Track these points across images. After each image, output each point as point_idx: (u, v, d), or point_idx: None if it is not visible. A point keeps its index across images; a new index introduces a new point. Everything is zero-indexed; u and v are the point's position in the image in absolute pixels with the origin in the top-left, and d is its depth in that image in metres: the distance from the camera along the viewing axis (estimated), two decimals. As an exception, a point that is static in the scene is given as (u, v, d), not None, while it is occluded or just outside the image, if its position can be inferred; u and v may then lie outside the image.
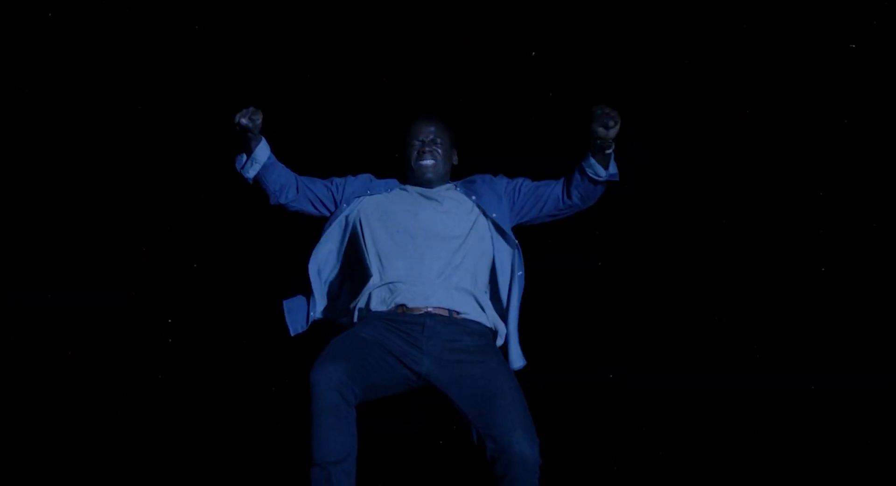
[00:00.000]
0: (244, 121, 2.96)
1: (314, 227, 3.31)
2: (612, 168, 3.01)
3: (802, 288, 4.16)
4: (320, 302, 3.07)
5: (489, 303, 3.01)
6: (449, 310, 2.91)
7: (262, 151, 3.05)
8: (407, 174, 3.16)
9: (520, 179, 3.16)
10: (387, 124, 3.76)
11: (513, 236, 3.07)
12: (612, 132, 2.91)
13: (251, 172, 3.06)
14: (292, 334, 3.05)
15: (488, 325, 2.98)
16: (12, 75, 4.24)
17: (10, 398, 4.19)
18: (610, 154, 2.99)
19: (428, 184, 3.12)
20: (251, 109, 2.97)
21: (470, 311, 2.94)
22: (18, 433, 4.18)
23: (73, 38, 4.24)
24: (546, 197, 3.11)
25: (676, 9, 4.21)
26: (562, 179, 3.11)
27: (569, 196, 3.08)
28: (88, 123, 4.26)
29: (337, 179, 3.17)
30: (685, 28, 4.21)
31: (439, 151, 3.12)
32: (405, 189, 3.14)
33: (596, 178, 3.01)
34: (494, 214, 3.05)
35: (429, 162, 3.10)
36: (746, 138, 4.22)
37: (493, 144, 4.07)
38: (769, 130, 4.20)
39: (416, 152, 3.11)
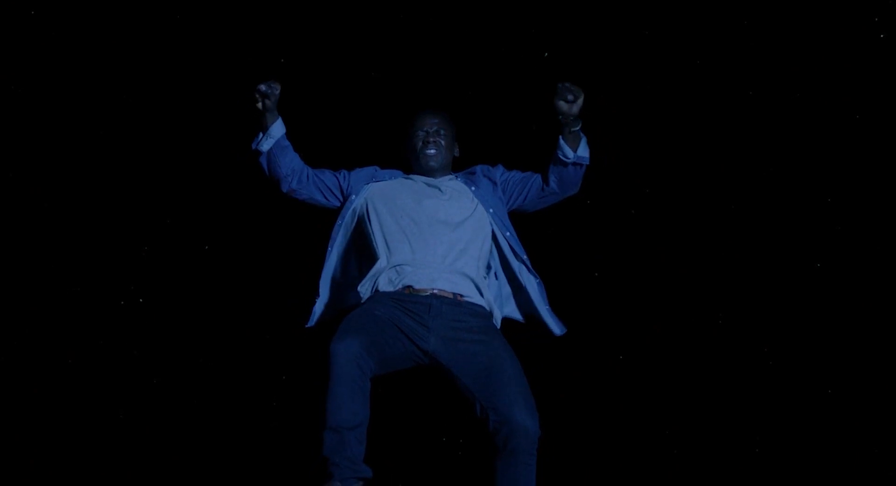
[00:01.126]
0: (263, 87, 3.10)
1: (314, 227, 3.42)
2: (582, 151, 3.16)
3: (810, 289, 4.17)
4: (329, 298, 3.22)
5: (487, 288, 3.17)
6: (453, 293, 3.07)
7: (278, 128, 3.19)
8: (411, 163, 3.33)
9: (514, 171, 3.33)
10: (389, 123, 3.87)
11: (510, 226, 3.26)
12: (575, 108, 3.07)
13: (265, 146, 3.18)
14: (310, 324, 3.19)
15: (487, 308, 3.14)
16: (11, 75, 4.24)
17: (11, 398, 4.18)
18: (577, 133, 3.13)
19: (431, 172, 3.29)
20: (272, 80, 3.11)
21: (472, 295, 3.11)
22: (18, 433, 4.17)
23: (72, 37, 4.24)
24: (530, 184, 3.28)
25: (684, 12, 4.21)
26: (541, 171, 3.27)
27: (547, 182, 3.24)
28: (88, 122, 4.26)
29: (344, 170, 3.30)
30: (693, 32, 4.22)
31: (442, 141, 3.30)
32: (409, 178, 3.31)
33: (564, 159, 3.15)
34: (492, 210, 3.23)
35: (432, 151, 3.28)
36: (750, 141, 4.22)
37: (496, 145, 4.08)
38: (772, 133, 4.20)
39: (420, 142, 3.29)
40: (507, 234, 3.22)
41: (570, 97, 3.05)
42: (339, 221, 3.22)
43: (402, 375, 3.11)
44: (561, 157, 3.15)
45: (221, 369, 4.25)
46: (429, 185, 3.25)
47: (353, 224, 3.24)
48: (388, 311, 2.99)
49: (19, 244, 4.23)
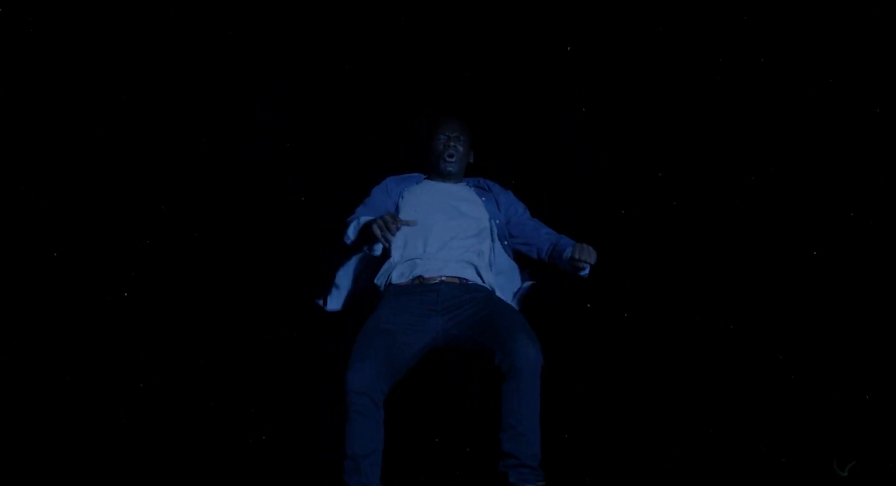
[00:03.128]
0: (391, 236, 3.27)
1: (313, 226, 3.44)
2: (585, 272, 3.50)
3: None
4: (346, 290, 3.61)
5: (489, 274, 3.55)
6: (459, 278, 3.46)
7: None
8: (430, 162, 3.73)
9: (521, 206, 3.73)
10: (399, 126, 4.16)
11: (509, 234, 3.68)
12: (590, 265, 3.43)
13: (378, 251, 3.43)
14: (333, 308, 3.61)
15: (489, 288, 3.53)
16: (9, 75, 4.24)
17: (10, 398, 4.18)
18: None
19: (448, 177, 3.70)
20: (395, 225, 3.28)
21: (475, 280, 3.50)
22: (18, 433, 4.17)
23: (73, 36, 4.24)
24: (527, 240, 3.65)
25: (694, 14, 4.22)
26: (549, 239, 3.60)
27: (544, 258, 3.61)
28: (88, 121, 4.26)
29: (379, 192, 3.66)
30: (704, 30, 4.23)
31: (460, 148, 3.70)
32: (428, 183, 3.72)
33: (575, 274, 3.51)
34: (497, 222, 3.64)
35: (452, 158, 3.68)
36: (764, 141, 4.23)
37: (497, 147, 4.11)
38: (787, 133, 4.21)
39: (442, 146, 3.69)
40: (505, 243, 3.62)
41: (582, 261, 3.38)
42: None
43: (406, 380, 3.31)
44: (571, 271, 3.48)
45: (221, 369, 4.25)
46: (445, 190, 3.66)
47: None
48: (394, 318, 3.31)
49: (18, 243, 4.24)
